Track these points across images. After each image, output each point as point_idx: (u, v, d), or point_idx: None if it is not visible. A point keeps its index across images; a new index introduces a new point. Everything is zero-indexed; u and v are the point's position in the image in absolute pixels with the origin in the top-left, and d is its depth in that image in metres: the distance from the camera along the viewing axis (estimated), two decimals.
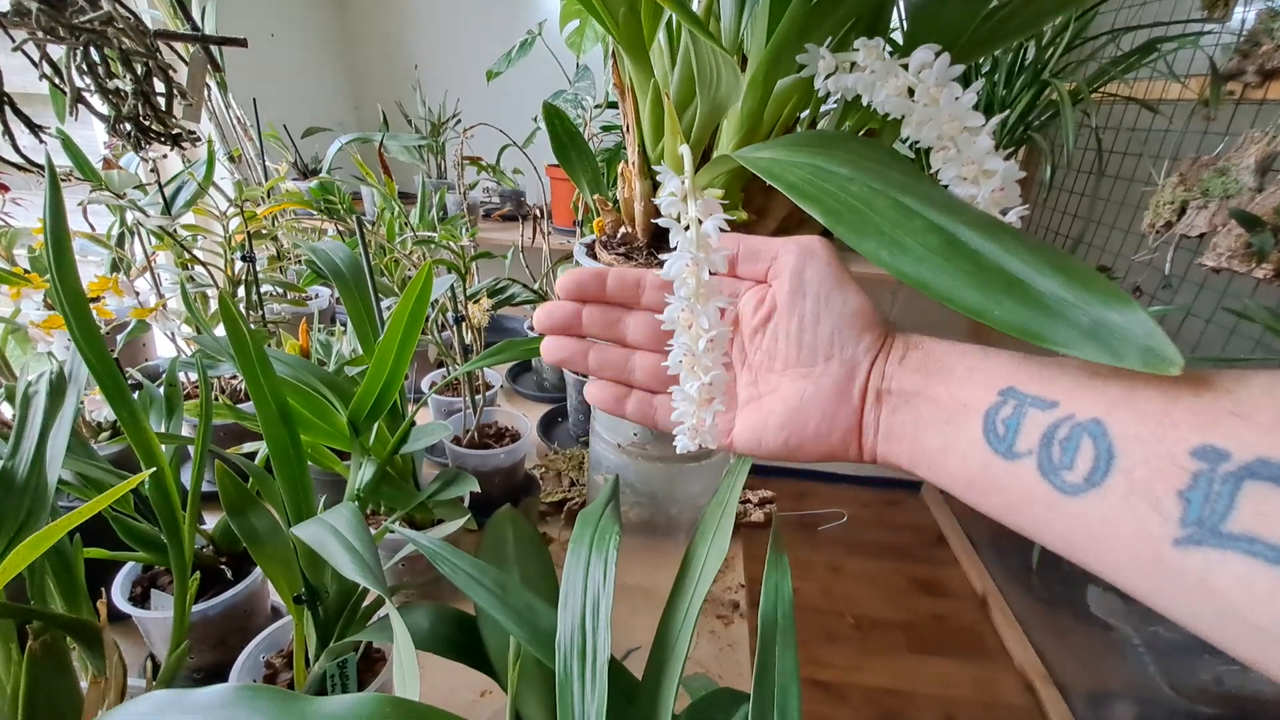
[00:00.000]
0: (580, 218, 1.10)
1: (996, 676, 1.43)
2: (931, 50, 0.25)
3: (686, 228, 0.27)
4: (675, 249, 0.28)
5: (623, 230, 0.46)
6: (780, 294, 0.28)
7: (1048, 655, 1.45)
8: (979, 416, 0.22)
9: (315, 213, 0.95)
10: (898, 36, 0.38)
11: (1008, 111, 1.14)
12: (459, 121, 1.44)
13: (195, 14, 0.95)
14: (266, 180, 0.99)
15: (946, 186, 0.26)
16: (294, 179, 1.30)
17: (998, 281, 0.21)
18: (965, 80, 0.25)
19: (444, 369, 0.88)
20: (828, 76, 0.28)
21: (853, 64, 0.27)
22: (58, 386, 0.38)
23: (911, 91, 0.25)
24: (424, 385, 0.87)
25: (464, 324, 0.71)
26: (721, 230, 0.27)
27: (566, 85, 1.38)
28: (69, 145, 0.72)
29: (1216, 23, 0.98)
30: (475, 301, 0.74)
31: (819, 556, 1.75)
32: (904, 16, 0.36)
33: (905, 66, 0.26)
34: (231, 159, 1.05)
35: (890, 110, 0.26)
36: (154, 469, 0.34)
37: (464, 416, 0.74)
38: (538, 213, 1.14)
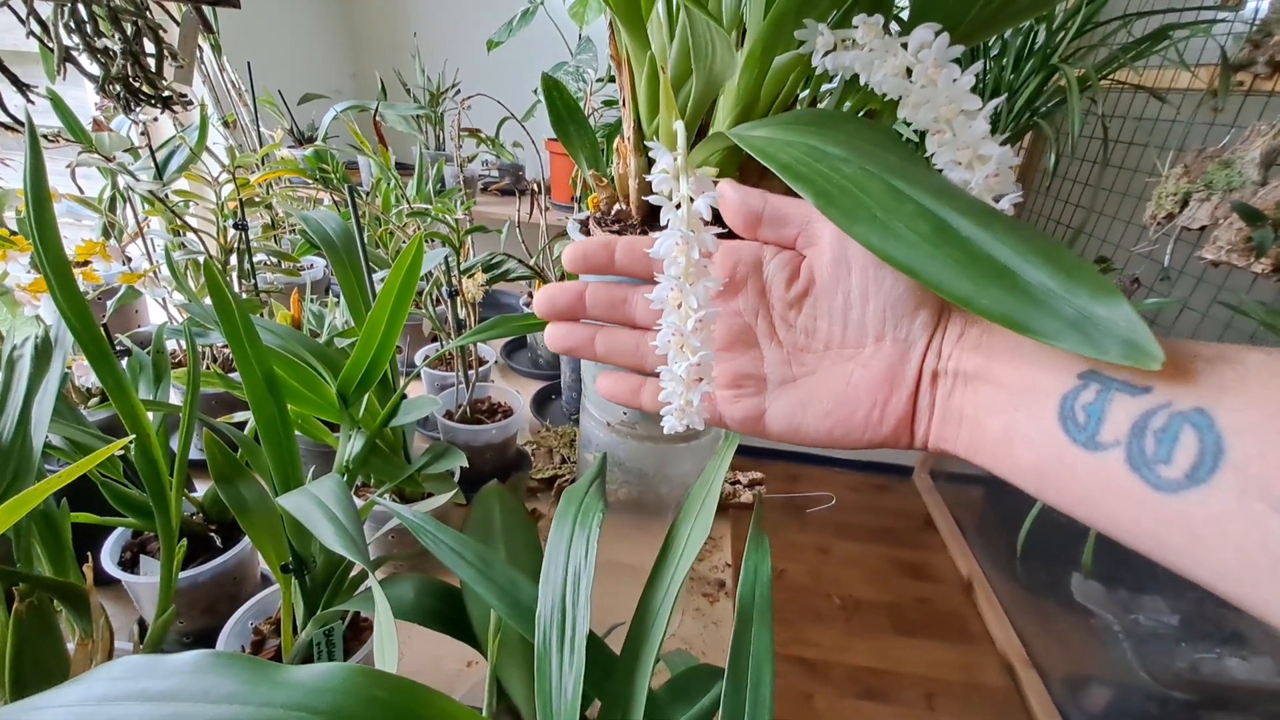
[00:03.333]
0: (579, 194, 1.09)
1: (978, 659, 1.46)
2: (931, 29, 0.24)
3: (678, 205, 0.27)
4: (666, 226, 0.27)
5: (617, 207, 0.46)
6: (820, 266, 0.25)
7: (1029, 639, 1.48)
8: (1054, 401, 0.20)
9: (310, 181, 0.94)
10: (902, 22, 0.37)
11: (1004, 95, 1.12)
12: (458, 92, 1.42)
13: None
14: (261, 147, 0.98)
15: (941, 170, 0.25)
16: (289, 146, 1.28)
17: (986, 270, 0.21)
18: (966, 62, 0.24)
19: (438, 343, 0.87)
20: (826, 54, 0.27)
21: (852, 41, 0.27)
22: (43, 351, 0.37)
23: (910, 72, 0.25)
24: (417, 359, 0.86)
25: (458, 298, 0.71)
26: (717, 202, 0.26)
27: (568, 57, 1.36)
28: (59, 105, 0.70)
29: (1230, 10, 0.97)
30: (469, 276, 0.74)
31: (808, 539, 1.77)
32: None
33: (905, 45, 0.25)
34: (226, 124, 1.03)
35: (888, 91, 0.25)
36: (134, 436, 0.34)
37: (457, 391, 0.74)
38: (535, 187, 1.13)
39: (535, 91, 1.34)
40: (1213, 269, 0.93)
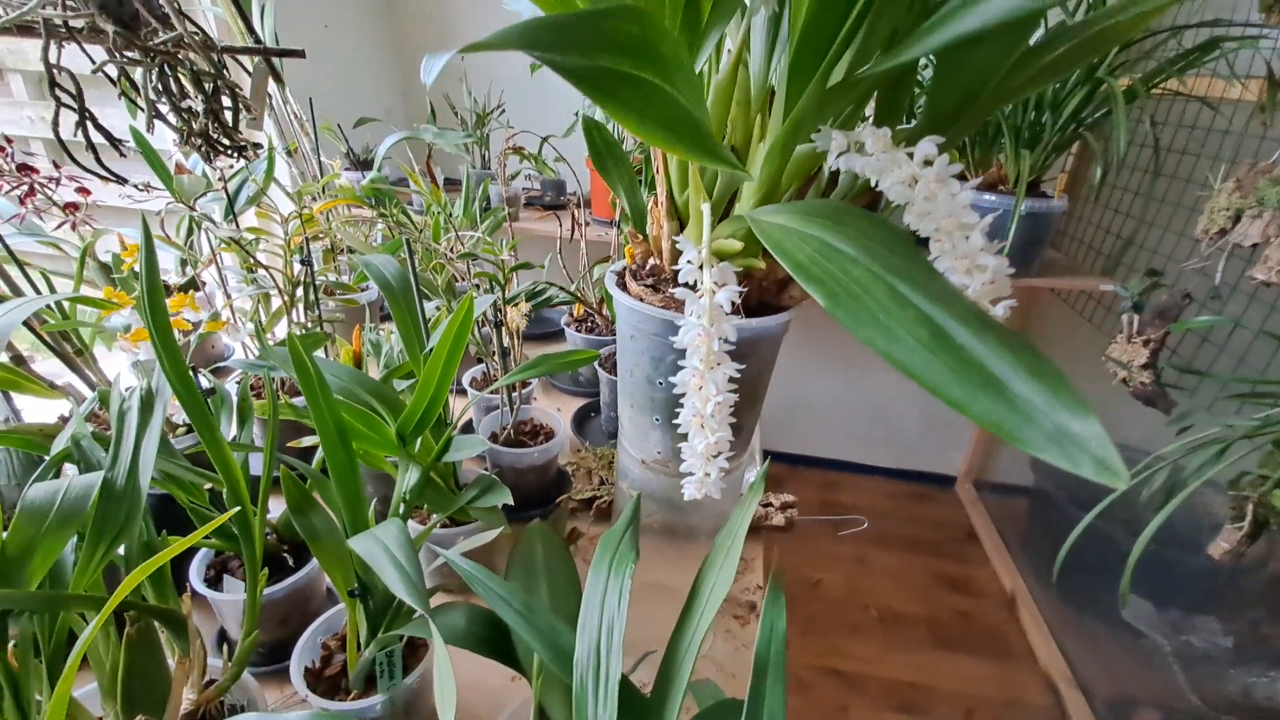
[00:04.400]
0: (619, 216, 1.13)
1: (1019, 676, 1.44)
2: (934, 143, 0.26)
3: (701, 296, 0.30)
4: (690, 314, 0.30)
5: (652, 262, 0.49)
6: None
7: (1074, 658, 1.45)
8: None
9: (366, 208, 1.00)
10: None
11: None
12: (503, 112, 1.47)
13: (255, 12, 0.99)
14: (321, 174, 1.04)
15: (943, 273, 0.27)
16: (345, 169, 1.35)
17: (978, 379, 0.23)
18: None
19: (483, 364, 0.92)
20: (840, 155, 0.30)
21: (864, 145, 0.29)
22: (147, 402, 0.43)
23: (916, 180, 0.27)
24: (464, 380, 0.91)
25: (503, 328, 0.75)
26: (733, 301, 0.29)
27: None
28: (148, 153, 0.77)
29: (1273, 28, 0.93)
30: (514, 305, 0.78)
31: (845, 549, 1.77)
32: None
33: (911, 155, 0.27)
34: (288, 153, 1.10)
35: (894, 198, 0.27)
36: (238, 508, 0.39)
37: (501, 414, 0.78)
38: (576, 203, 1.16)
39: (576, 114, 1.38)
40: (1265, 288, 0.91)
